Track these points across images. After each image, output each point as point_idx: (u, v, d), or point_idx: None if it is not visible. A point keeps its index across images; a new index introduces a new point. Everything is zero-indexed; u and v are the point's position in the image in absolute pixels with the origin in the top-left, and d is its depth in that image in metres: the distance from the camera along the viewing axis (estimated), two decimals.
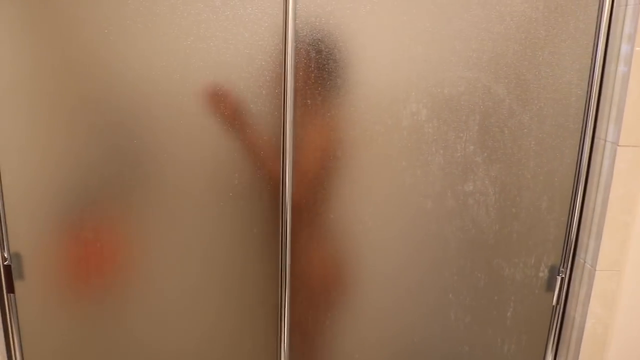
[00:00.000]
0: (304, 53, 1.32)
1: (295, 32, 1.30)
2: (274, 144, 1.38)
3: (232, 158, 1.38)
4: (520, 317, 1.59)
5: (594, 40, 1.39)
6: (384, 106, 1.38)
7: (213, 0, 1.28)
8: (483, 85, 1.39)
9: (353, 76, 1.36)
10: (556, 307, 1.58)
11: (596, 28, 1.38)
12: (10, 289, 1.43)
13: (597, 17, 1.37)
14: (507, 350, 1.62)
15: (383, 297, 1.54)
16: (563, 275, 1.55)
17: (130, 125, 1.35)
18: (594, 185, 1.47)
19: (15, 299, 1.45)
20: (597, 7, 1.37)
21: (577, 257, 1.54)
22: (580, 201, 1.49)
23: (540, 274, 1.56)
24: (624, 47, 1.36)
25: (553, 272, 1.56)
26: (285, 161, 1.39)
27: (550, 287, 1.57)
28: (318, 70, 1.34)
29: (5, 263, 1.41)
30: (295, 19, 1.29)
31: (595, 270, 1.48)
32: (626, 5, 1.35)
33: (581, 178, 1.47)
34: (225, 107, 1.34)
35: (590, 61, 1.40)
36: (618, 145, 1.38)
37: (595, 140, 1.45)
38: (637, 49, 1.33)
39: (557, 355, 1.62)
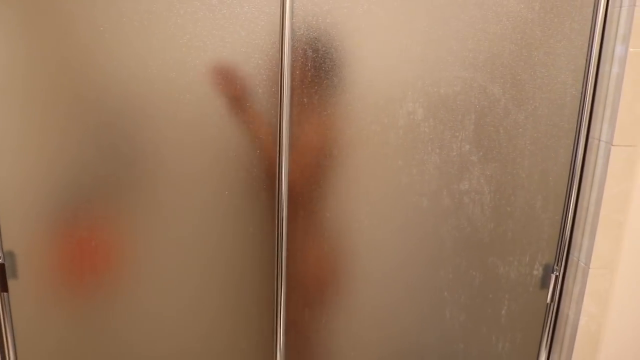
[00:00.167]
0: (300, 52, 1.32)
1: (292, 31, 1.30)
2: (270, 142, 1.38)
3: (228, 157, 1.38)
4: (515, 315, 1.60)
5: (589, 41, 1.40)
6: (380, 105, 1.39)
7: None
8: (479, 85, 1.40)
9: (349, 75, 1.36)
10: (550, 305, 1.59)
11: (591, 29, 1.39)
12: (4, 287, 1.42)
13: (592, 18, 1.39)
14: (502, 348, 1.63)
15: (378, 295, 1.55)
16: (557, 274, 1.56)
17: (125, 124, 1.34)
18: (588, 184, 1.48)
19: (8, 298, 1.44)
20: (592, 8, 1.38)
21: (571, 256, 1.55)
22: (575, 200, 1.51)
23: (535, 272, 1.57)
24: (618, 48, 1.37)
25: (547, 270, 1.57)
26: (282, 160, 1.39)
27: (544, 285, 1.58)
28: (315, 69, 1.34)
29: None
30: (292, 17, 1.29)
31: (589, 268, 1.49)
32: (620, 6, 1.36)
33: (575, 177, 1.49)
34: (230, 86, 1.33)
35: (585, 62, 1.41)
36: (612, 145, 1.40)
37: (590, 139, 1.47)
38: (631, 50, 1.34)
39: (551, 353, 1.64)
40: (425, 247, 1.52)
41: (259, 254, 1.47)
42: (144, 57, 1.30)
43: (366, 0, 1.31)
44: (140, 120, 1.34)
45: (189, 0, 1.27)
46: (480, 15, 1.35)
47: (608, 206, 1.44)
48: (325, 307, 1.54)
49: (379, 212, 1.47)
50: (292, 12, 1.29)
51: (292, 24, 1.29)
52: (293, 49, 1.32)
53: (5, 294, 1.43)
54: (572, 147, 1.47)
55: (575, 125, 1.46)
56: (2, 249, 1.39)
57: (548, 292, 1.58)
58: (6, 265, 1.41)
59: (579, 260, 1.53)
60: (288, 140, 1.37)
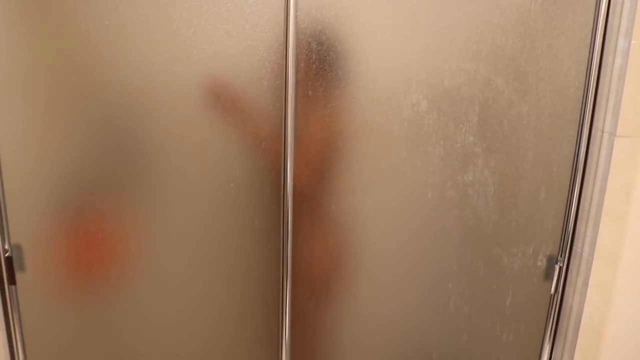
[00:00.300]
0: (305, 45, 1.33)
1: (297, 23, 1.31)
2: (275, 135, 1.39)
3: (233, 149, 1.39)
4: (519, 306, 1.61)
5: (592, 32, 1.40)
6: (384, 98, 1.39)
7: None
8: (482, 77, 1.40)
9: (354, 68, 1.36)
10: (554, 296, 1.60)
11: (594, 20, 1.39)
12: (12, 280, 1.43)
13: (595, 9, 1.39)
14: (506, 339, 1.64)
15: (384, 287, 1.56)
16: (561, 265, 1.57)
17: (130, 117, 1.35)
18: (591, 175, 1.49)
19: (16, 291, 1.45)
20: (594, 0, 1.38)
21: (574, 247, 1.56)
22: (578, 191, 1.51)
23: (539, 264, 1.57)
24: (621, 40, 1.37)
25: (551, 261, 1.57)
26: (287, 152, 1.39)
27: (548, 276, 1.59)
28: (319, 61, 1.34)
29: (7, 255, 1.41)
30: (296, 10, 1.30)
31: (592, 259, 1.50)
32: None
33: (579, 168, 1.49)
34: (225, 100, 1.34)
35: (588, 53, 1.42)
36: (615, 136, 1.40)
37: (593, 131, 1.47)
38: (634, 42, 1.34)
39: (555, 343, 1.65)
40: (429, 239, 1.53)
41: (264, 246, 1.48)
42: (148, 51, 1.30)
43: None
44: (145, 114, 1.35)
45: None
46: (484, 7, 1.35)
47: (611, 197, 1.44)
48: (330, 299, 1.55)
49: (384, 204, 1.48)
50: (296, 4, 1.29)
51: (296, 16, 1.30)
52: (297, 41, 1.32)
53: (13, 286, 1.44)
54: (575, 139, 1.48)
55: (579, 117, 1.46)
56: (9, 242, 1.40)
57: (552, 283, 1.59)
58: (14, 258, 1.42)
59: (582, 251, 1.54)
60: (293, 133, 1.38)
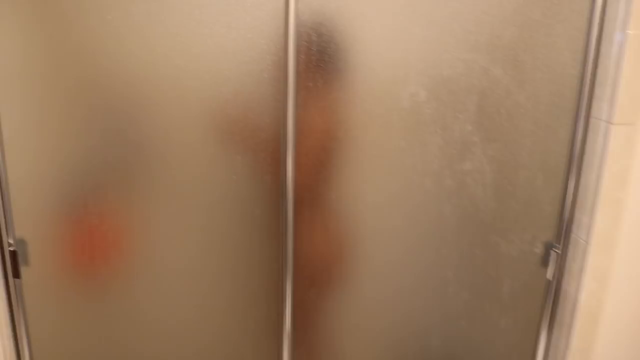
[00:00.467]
0: (305, 36, 1.34)
1: (297, 15, 1.31)
2: (275, 127, 1.40)
3: (234, 141, 1.40)
4: (517, 292, 1.63)
5: (588, 21, 1.41)
6: (383, 88, 1.41)
7: None
8: (480, 67, 1.42)
9: (353, 59, 1.37)
10: (551, 281, 1.62)
11: (590, 10, 1.40)
12: (16, 274, 1.44)
13: None
14: (504, 324, 1.66)
15: (383, 275, 1.58)
16: (558, 251, 1.59)
17: (133, 109, 1.36)
18: (588, 162, 1.50)
19: (21, 284, 1.46)
20: None
21: (571, 233, 1.58)
22: (575, 178, 1.53)
23: (536, 250, 1.60)
24: (618, 29, 1.38)
25: (548, 248, 1.60)
26: (287, 143, 1.41)
27: (545, 262, 1.61)
28: (319, 53, 1.35)
29: (11, 249, 1.42)
30: (296, 2, 1.30)
31: (588, 245, 1.52)
32: None
33: (576, 156, 1.51)
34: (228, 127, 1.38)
35: (584, 43, 1.43)
36: (611, 124, 1.42)
37: (590, 119, 1.49)
38: (630, 31, 1.36)
39: (552, 328, 1.67)
40: (428, 227, 1.55)
41: (265, 235, 1.49)
42: (150, 44, 1.31)
43: None
44: (147, 107, 1.36)
45: None
46: None
47: (608, 184, 1.47)
48: (331, 287, 1.57)
49: (383, 192, 1.50)
50: None
51: (296, 8, 1.31)
52: (297, 33, 1.33)
53: (17, 280, 1.45)
54: (572, 127, 1.50)
55: (576, 105, 1.48)
56: (14, 236, 1.41)
57: (549, 269, 1.61)
58: (18, 252, 1.42)
59: (579, 237, 1.56)
60: (293, 124, 1.39)
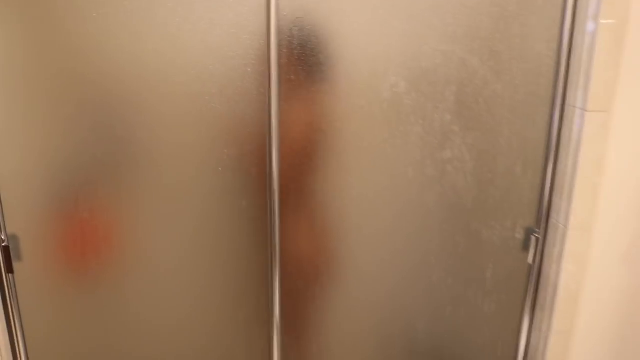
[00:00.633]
0: (287, 31, 1.37)
1: (278, 10, 1.34)
2: (260, 120, 1.43)
3: (220, 135, 1.43)
4: (499, 277, 1.66)
5: (562, 12, 1.44)
6: (364, 80, 1.43)
7: None
8: (458, 58, 1.45)
9: (335, 52, 1.40)
10: (532, 266, 1.65)
11: (564, 0, 1.43)
12: (10, 269, 1.46)
13: None
14: (488, 309, 1.69)
15: (369, 264, 1.60)
16: (538, 236, 1.62)
17: (120, 105, 1.38)
18: (564, 149, 1.53)
19: (14, 279, 1.48)
20: None
21: (550, 218, 1.61)
22: (553, 165, 1.56)
23: (517, 236, 1.63)
24: (590, 19, 1.41)
25: (528, 233, 1.62)
26: (272, 135, 1.43)
27: (526, 247, 1.64)
28: (301, 47, 1.38)
29: (4, 244, 1.43)
30: None
31: (567, 229, 1.56)
32: None
33: (553, 143, 1.54)
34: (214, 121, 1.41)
35: (558, 32, 1.46)
36: (586, 111, 1.45)
37: (565, 107, 1.52)
38: (602, 21, 1.39)
39: (535, 311, 1.70)
40: (412, 215, 1.57)
41: (252, 227, 1.52)
42: (137, 41, 1.33)
43: None
44: (136, 101, 1.38)
45: None
46: None
47: (584, 169, 1.49)
48: (318, 276, 1.59)
49: (367, 183, 1.52)
50: None
51: (278, 4, 1.33)
52: (279, 28, 1.36)
53: (10, 275, 1.47)
54: (548, 115, 1.52)
55: (551, 93, 1.51)
56: (6, 232, 1.43)
57: (530, 254, 1.64)
58: (11, 248, 1.44)
59: (558, 222, 1.59)
60: (277, 116, 1.42)
